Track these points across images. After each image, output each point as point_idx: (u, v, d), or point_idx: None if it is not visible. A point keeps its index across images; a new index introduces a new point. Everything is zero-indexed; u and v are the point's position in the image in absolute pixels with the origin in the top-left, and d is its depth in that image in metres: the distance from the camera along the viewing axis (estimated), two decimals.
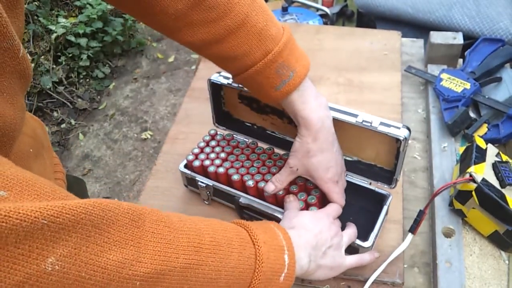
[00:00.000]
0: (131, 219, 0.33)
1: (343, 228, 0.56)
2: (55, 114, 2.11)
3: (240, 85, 0.58)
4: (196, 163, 0.66)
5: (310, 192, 0.59)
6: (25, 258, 0.25)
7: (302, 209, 0.58)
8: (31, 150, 0.45)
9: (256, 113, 0.69)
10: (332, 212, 0.55)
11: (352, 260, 0.53)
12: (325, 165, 0.53)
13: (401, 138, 0.53)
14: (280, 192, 0.59)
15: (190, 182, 0.69)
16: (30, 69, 0.37)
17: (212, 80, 0.65)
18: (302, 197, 0.58)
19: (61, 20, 2.18)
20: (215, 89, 0.68)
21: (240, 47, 0.47)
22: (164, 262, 0.33)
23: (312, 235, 0.49)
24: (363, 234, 0.56)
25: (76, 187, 0.62)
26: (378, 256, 0.56)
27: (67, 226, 0.27)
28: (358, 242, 0.55)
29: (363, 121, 0.55)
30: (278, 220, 0.60)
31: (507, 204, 0.55)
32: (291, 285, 0.44)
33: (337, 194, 0.56)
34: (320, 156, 0.53)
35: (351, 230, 0.55)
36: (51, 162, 0.52)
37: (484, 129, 0.72)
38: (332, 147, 0.53)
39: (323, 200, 0.61)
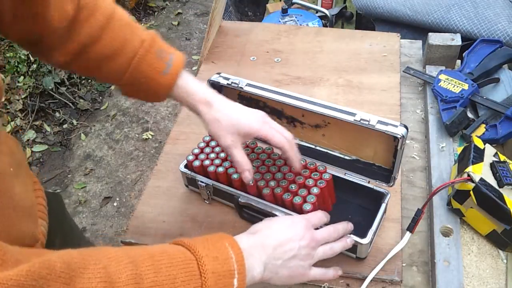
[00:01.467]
0: (63, 282, 0.33)
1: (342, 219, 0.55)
2: (57, 114, 2.12)
3: (131, 97, 0.57)
4: (196, 163, 0.66)
5: (310, 191, 0.60)
6: None
7: (299, 204, 0.58)
8: (11, 169, 0.45)
9: None
10: (314, 220, 0.54)
11: (316, 273, 0.52)
12: (241, 113, 0.54)
13: (399, 136, 0.53)
14: (279, 190, 0.60)
15: (191, 182, 0.70)
16: (2, 88, 0.37)
17: (212, 81, 0.66)
18: (303, 193, 0.59)
19: None
20: (215, 89, 0.68)
21: (117, 40, 0.50)
22: None
23: (275, 244, 0.48)
24: (362, 232, 0.56)
25: (54, 202, 0.62)
26: (341, 273, 0.55)
27: None
28: (357, 239, 0.55)
29: (361, 119, 0.55)
30: None
31: (505, 203, 0.56)
32: None
33: (278, 134, 0.54)
34: (229, 110, 0.54)
35: (333, 247, 0.53)
36: (30, 181, 0.53)
37: (482, 129, 0.72)
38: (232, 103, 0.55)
39: (323, 199, 0.62)
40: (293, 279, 0.50)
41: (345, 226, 0.55)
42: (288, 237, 0.50)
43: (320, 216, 0.55)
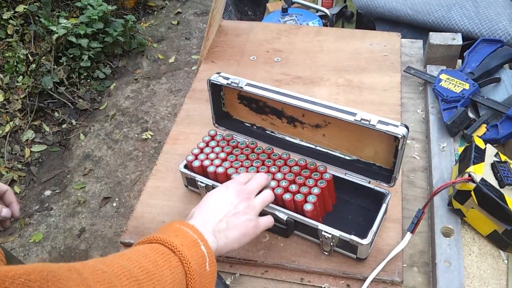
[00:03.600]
0: (71, 277, 0.33)
1: None
2: (56, 114, 2.11)
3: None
4: (196, 163, 0.66)
5: (311, 190, 0.60)
6: None
7: (300, 205, 0.58)
8: None
9: (256, 113, 0.70)
10: (241, 179, 0.56)
11: (264, 220, 0.55)
12: None
13: (399, 136, 0.53)
14: (279, 191, 0.60)
15: (190, 182, 0.69)
16: None
17: (212, 81, 0.66)
18: (305, 190, 0.59)
19: (62, 21, 2.19)
20: (215, 89, 0.68)
21: None
22: None
23: (213, 212, 0.51)
24: (362, 232, 0.56)
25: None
26: (272, 220, 0.57)
27: None
28: (357, 239, 0.55)
29: (361, 119, 0.55)
30: (277, 218, 0.60)
31: (506, 203, 0.56)
32: (216, 270, 0.46)
33: None
34: None
35: (264, 193, 0.56)
36: None
37: (483, 129, 0.72)
38: None
39: (324, 199, 0.61)
40: (247, 235, 0.52)
41: (263, 174, 0.59)
42: (223, 201, 0.52)
43: (245, 175, 0.57)
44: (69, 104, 2.15)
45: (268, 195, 0.57)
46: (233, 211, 0.52)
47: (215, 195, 0.53)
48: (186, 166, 0.68)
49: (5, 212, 0.59)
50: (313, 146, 0.67)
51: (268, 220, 0.56)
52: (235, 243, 0.51)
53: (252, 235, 0.53)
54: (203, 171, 0.66)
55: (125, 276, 0.38)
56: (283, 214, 0.60)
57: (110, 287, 0.35)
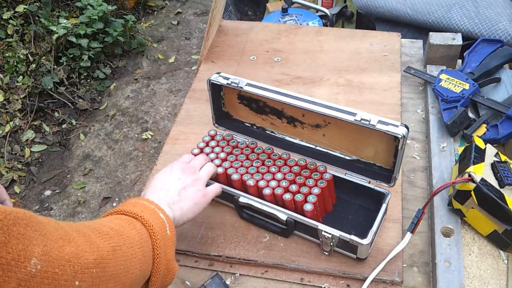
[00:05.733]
0: (50, 223, 0.35)
1: None
2: (56, 114, 2.11)
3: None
4: None
5: (311, 191, 0.60)
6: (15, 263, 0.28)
7: (300, 205, 0.58)
8: None
9: (256, 113, 0.70)
10: (184, 159, 0.62)
11: (211, 189, 0.59)
12: None
13: (399, 136, 0.53)
14: (279, 191, 0.60)
15: None
16: None
17: (212, 81, 0.66)
18: (305, 190, 0.59)
19: (62, 21, 2.19)
20: (215, 89, 0.68)
21: None
22: (99, 249, 0.38)
23: (164, 191, 0.54)
24: (362, 232, 0.56)
25: None
26: (220, 188, 0.62)
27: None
28: (357, 239, 0.55)
29: (361, 119, 0.55)
30: (277, 218, 0.60)
31: (506, 204, 0.56)
32: (175, 235, 0.49)
33: None
34: None
35: (207, 165, 0.61)
36: None
37: (483, 129, 0.72)
38: None
39: (324, 199, 0.61)
40: (199, 204, 0.56)
41: (202, 154, 0.64)
42: (171, 179, 0.56)
43: (186, 156, 0.62)
44: (69, 104, 2.15)
45: (210, 166, 0.62)
46: (182, 184, 0.56)
47: (161, 175, 0.57)
48: None
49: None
50: (313, 146, 0.67)
51: (215, 188, 0.60)
52: (189, 213, 0.54)
53: (203, 203, 0.57)
54: None
55: (96, 230, 0.41)
56: (283, 214, 0.60)
57: (84, 235, 0.38)
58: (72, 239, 0.36)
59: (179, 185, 0.56)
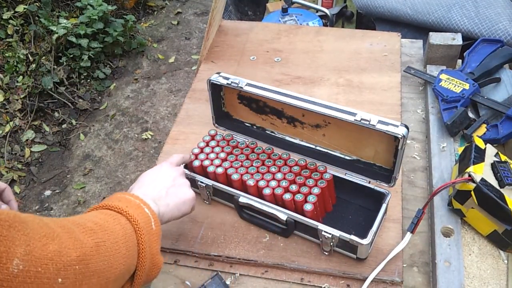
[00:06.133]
0: (34, 221, 0.36)
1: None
2: (56, 114, 2.11)
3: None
4: (196, 163, 0.66)
5: (311, 190, 0.60)
6: None
7: (300, 204, 0.58)
8: None
9: (256, 114, 0.70)
10: (173, 160, 0.61)
11: (193, 191, 0.58)
12: None
13: (399, 136, 0.53)
14: (279, 191, 0.60)
15: (190, 182, 0.69)
16: None
17: (212, 81, 0.66)
18: (305, 190, 0.59)
19: (62, 21, 2.19)
20: (215, 89, 0.68)
21: None
22: (83, 245, 0.38)
23: (151, 187, 0.54)
24: (362, 232, 0.56)
25: None
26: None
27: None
28: (357, 239, 0.55)
29: (361, 119, 0.55)
30: (277, 218, 0.60)
31: (506, 204, 0.56)
32: (160, 230, 0.49)
33: None
34: None
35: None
36: None
37: (483, 129, 0.72)
38: None
39: (324, 199, 0.61)
40: (186, 203, 0.56)
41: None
42: (160, 176, 0.56)
43: (176, 156, 0.62)
44: (69, 104, 2.15)
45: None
46: (171, 182, 0.56)
47: (150, 173, 0.57)
48: (186, 166, 0.68)
49: (4, 209, 0.60)
50: (313, 146, 0.67)
51: (192, 192, 0.59)
52: (175, 211, 0.54)
53: (191, 203, 0.57)
54: (203, 171, 0.66)
55: (80, 226, 0.41)
56: (283, 214, 0.60)
57: (68, 232, 0.38)
58: (56, 236, 0.36)
59: (168, 182, 0.56)
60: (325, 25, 1.64)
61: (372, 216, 0.59)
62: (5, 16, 2.15)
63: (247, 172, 0.63)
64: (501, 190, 0.57)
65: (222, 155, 0.66)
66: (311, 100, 0.59)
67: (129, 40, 2.42)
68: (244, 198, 0.62)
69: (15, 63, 2.09)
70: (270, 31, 1.03)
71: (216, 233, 0.65)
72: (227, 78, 0.65)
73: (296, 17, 1.61)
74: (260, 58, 0.96)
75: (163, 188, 0.55)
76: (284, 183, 0.60)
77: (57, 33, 2.11)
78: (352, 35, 0.98)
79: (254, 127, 0.72)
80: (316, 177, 0.61)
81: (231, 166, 0.64)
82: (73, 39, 2.16)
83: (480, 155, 0.61)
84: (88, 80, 2.27)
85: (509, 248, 0.60)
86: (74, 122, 2.10)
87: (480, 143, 0.63)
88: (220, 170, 0.64)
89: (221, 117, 0.72)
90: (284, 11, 1.60)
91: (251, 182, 0.61)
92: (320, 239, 0.58)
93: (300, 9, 1.67)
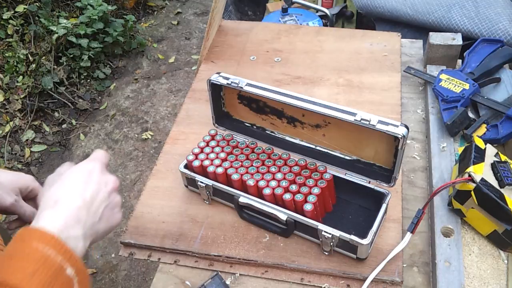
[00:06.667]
0: None
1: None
2: (56, 114, 2.11)
3: None
4: (196, 163, 0.66)
5: (311, 190, 0.60)
6: None
7: (301, 202, 0.58)
8: None
9: (256, 114, 0.70)
10: (104, 159, 0.49)
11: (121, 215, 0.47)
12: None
13: (400, 136, 0.53)
14: (279, 191, 0.60)
15: (190, 182, 0.69)
16: None
17: (212, 81, 0.66)
18: (305, 190, 0.59)
19: (62, 21, 2.19)
20: (215, 89, 0.68)
21: None
22: None
23: (86, 207, 0.42)
24: (362, 232, 0.56)
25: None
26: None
27: None
28: (357, 239, 0.55)
29: (361, 119, 0.55)
30: (277, 218, 0.60)
31: (506, 204, 0.56)
32: (88, 278, 0.39)
33: None
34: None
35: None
36: None
37: (483, 129, 0.72)
38: None
39: (324, 199, 0.61)
40: (112, 228, 0.46)
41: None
42: (94, 190, 0.43)
43: (101, 152, 0.50)
44: (69, 104, 2.15)
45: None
46: (108, 199, 0.44)
47: (80, 177, 0.44)
48: (186, 166, 0.68)
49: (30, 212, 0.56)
50: (313, 146, 0.67)
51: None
52: (99, 238, 0.44)
53: (116, 225, 0.46)
54: (203, 171, 0.66)
55: None
56: (283, 214, 0.60)
57: None
58: None
59: (104, 199, 0.43)
60: (325, 25, 1.64)
61: (372, 216, 0.59)
62: (5, 16, 2.15)
63: (247, 172, 0.63)
64: (501, 190, 0.57)
65: (222, 155, 0.66)
66: (311, 100, 0.59)
67: (129, 40, 2.42)
68: (244, 198, 0.62)
69: (15, 63, 2.09)
70: (270, 31, 1.03)
71: (216, 233, 0.65)
72: (227, 78, 0.65)
73: (296, 17, 1.61)
74: (260, 58, 0.96)
75: (98, 208, 0.42)
76: (284, 183, 0.60)
77: (57, 33, 2.11)
78: (352, 35, 0.98)
79: (254, 127, 0.72)
80: (316, 177, 0.61)
81: (231, 166, 0.64)
82: (73, 39, 2.16)
83: (480, 155, 0.61)
84: (88, 80, 2.27)
85: (509, 248, 0.60)
86: (74, 122, 2.10)
87: (480, 143, 0.63)
88: (220, 170, 0.64)
89: (221, 117, 0.73)
90: (284, 11, 1.60)
91: (251, 182, 0.61)
92: (320, 239, 0.58)
93: (300, 9, 1.67)
